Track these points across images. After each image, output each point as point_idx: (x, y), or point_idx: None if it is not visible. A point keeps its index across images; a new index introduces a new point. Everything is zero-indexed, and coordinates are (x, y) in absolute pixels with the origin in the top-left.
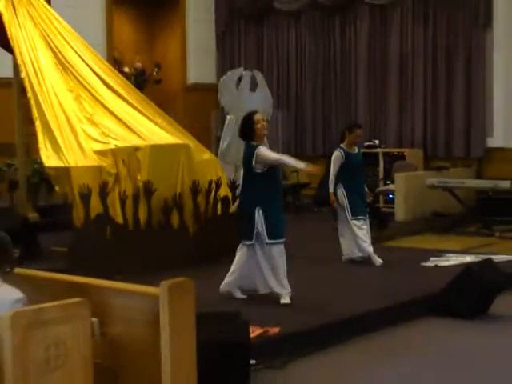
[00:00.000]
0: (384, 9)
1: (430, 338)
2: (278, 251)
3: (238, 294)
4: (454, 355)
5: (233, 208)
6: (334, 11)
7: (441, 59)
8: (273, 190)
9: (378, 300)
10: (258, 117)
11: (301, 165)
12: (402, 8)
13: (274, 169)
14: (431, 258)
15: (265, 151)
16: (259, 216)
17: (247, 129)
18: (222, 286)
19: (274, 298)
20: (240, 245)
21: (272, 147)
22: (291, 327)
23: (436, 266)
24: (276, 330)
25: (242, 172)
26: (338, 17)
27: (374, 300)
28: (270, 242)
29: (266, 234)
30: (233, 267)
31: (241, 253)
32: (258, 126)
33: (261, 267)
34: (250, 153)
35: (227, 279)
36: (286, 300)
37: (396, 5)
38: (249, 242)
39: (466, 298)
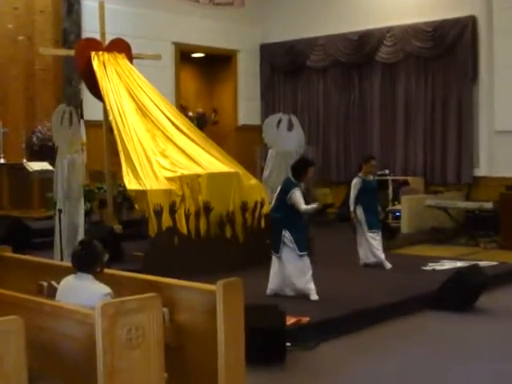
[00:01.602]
0: (393, 66)
1: (429, 326)
2: (306, 260)
3: (289, 292)
4: (448, 340)
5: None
6: (353, 68)
7: (438, 106)
8: (298, 216)
9: (388, 296)
10: (311, 171)
11: (314, 206)
12: (407, 65)
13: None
14: (429, 263)
15: (297, 198)
16: (287, 235)
17: (300, 173)
18: (268, 291)
19: (304, 296)
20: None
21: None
22: (318, 317)
23: (433, 269)
24: (306, 319)
25: (276, 194)
26: (356, 72)
27: (385, 296)
28: (301, 253)
29: (296, 248)
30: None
31: (272, 262)
32: (308, 175)
33: (289, 274)
34: (288, 188)
35: (269, 286)
36: (314, 297)
37: (402, 63)
38: (276, 255)
39: (458, 294)
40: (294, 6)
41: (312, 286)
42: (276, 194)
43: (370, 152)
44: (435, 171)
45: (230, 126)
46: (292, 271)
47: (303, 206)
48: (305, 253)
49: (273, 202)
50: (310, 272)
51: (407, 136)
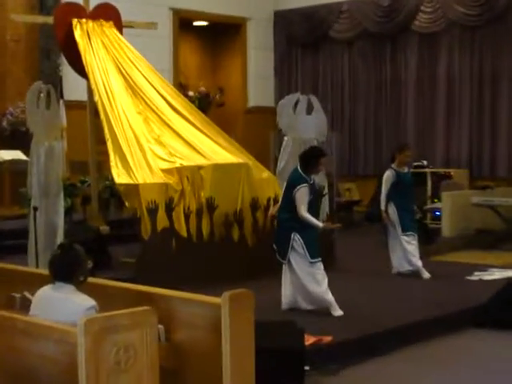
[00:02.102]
0: (433, 37)
1: (476, 348)
2: (319, 268)
3: (304, 305)
4: (499, 366)
5: (272, 211)
6: (385, 39)
7: (486, 84)
8: (311, 215)
9: (425, 311)
10: (323, 161)
11: (320, 225)
12: (449, 36)
13: (313, 198)
14: (475, 272)
15: (299, 197)
16: (297, 238)
17: (309, 164)
18: (283, 305)
19: (324, 310)
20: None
21: (327, 167)
22: (343, 336)
23: (480, 279)
24: (329, 338)
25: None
26: (388, 45)
27: (421, 311)
28: (313, 261)
29: (308, 254)
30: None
31: (283, 270)
32: (319, 168)
33: (302, 283)
34: (295, 182)
35: (283, 299)
36: (338, 312)
37: (444, 33)
38: (283, 262)
39: (509, 309)
40: None
41: (331, 297)
42: (283, 189)
43: (405, 139)
44: (483, 163)
45: (239, 108)
46: (305, 280)
47: (304, 212)
48: (317, 259)
49: (280, 199)
50: (326, 281)
51: (449, 120)
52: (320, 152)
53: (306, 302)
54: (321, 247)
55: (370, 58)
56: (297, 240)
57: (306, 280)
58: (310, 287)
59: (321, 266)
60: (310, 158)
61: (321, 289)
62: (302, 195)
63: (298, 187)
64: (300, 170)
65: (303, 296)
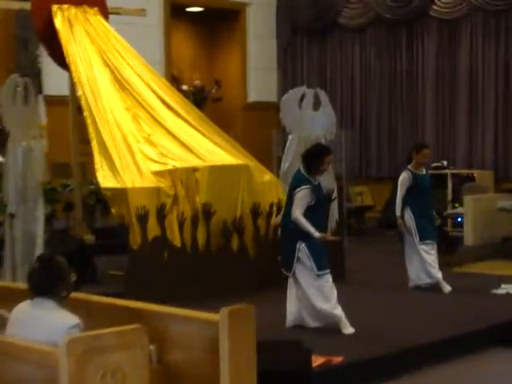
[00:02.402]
0: (453, 23)
1: (502, 370)
2: (327, 281)
3: (311, 322)
4: None
5: (275, 220)
6: (401, 26)
7: None
8: (318, 221)
9: (446, 329)
10: (328, 159)
11: (315, 234)
12: (472, 22)
13: (319, 202)
14: (502, 285)
15: (298, 199)
16: (302, 248)
17: (313, 163)
18: (288, 322)
19: (333, 328)
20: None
21: (335, 169)
22: (355, 356)
23: (508, 293)
24: (339, 359)
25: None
26: (404, 32)
27: (442, 329)
28: (320, 273)
29: (314, 266)
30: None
31: (288, 284)
32: (324, 167)
33: (309, 298)
34: (297, 184)
35: (288, 316)
36: (349, 330)
37: (466, 19)
38: (288, 274)
39: None
40: None
41: (340, 313)
42: (287, 193)
43: (423, 138)
44: (509, 163)
45: (238, 103)
46: (311, 294)
47: (298, 215)
48: (325, 271)
49: (283, 205)
50: (335, 295)
51: (472, 116)
52: (324, 150)
53: (313, 319)
54: (329, 257)
55: (384, 47)
56: (302, 250)
57: (313, 294)
58: (317, 302)
59: (329, 278)
60: (313, 157)
61: (329, 304)
62: (301, 197)
63: (299, 189)
64: (303, 171)
65: (309, 312)
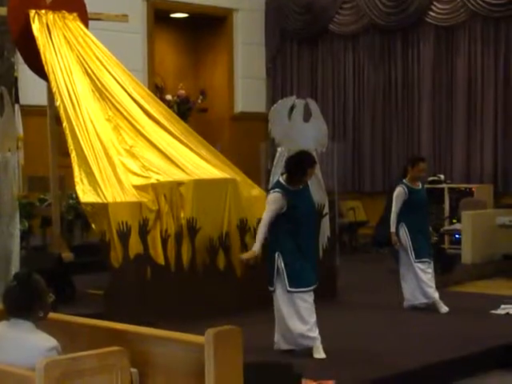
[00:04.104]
0: (451, 30)
1: None
2: (301, 299)
3: (282, 344)
4: None
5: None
6: (395, 33)
7: None
8: (293, 233)
9: (443, 352)
10: (311, 171)
11: (256, 246)
12: (470, 29)
13: (294, 208)
14: (502, 306)
15: (269, 204)
16: (279, 261)
17: (296, 175)
18: (276, 345)
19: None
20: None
21: (327, 182)
22: (346, 381)
23: (508, 314)
24: (330, 383)
25: None
26: (399, 39)
27: (438, 351)
28: (291, 290)
29: (286, 281)
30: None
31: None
32: (307, 178)
33: (282, 316)
34: (270, 189)
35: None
36: (319, 354)
37: (464, 26)
38: (271, 289)
39: None
40: None
41: (315, 334)
42: None
43: (419, 151)
44: (510, 177)
45: (224, 114)
46: (285, 313)
47: (263, 218)
48: (299, 289)
49: None
50: (314, 318)
51: (470, 128)
52: (308, 158)
53: (284, 341)
54: (319, 275)
55: (378, 55)
56: (280, 263)
57: (287, 313)
58: (290, 322)
59: (307, 297)
60: (295, 165)
61: (304, 326)
62: (269, 201)
63: (270, 192)
64: (281, 179)
65: (282, 332)
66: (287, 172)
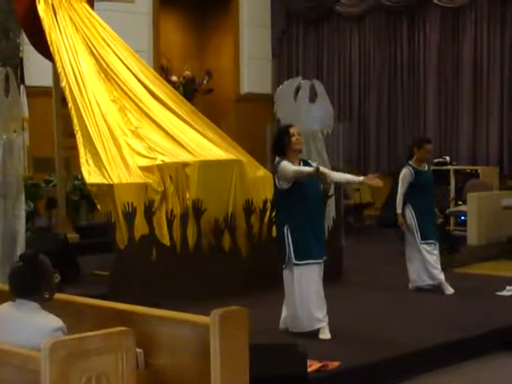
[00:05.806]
0: (456, 11)
1: (506, 375)
2: (307, 274)
3: (282, 325)
4: None
5: None
6: (402, 14)
7: None
8: (302, 207)
9: (448, 333)
10: (293, 130)
11: (310, 170)
12: (476, 10)
13: (300, 184)
14: (507, 287)
15: (285, 165)
16: (287, 236)
17: (281, 143)
18: (281, 325)
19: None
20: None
21: (333, 163)
22: (351, 361)
23: None
24: (336, 364)
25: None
26: (405, 20)
27: (443, 333)
28: (297, 262)
29: (292, 253)
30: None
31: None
32: (293, 139)
33: (292, 294)
34: (275, 169)
35: (282, 316)
36: (324, 334)
37: (470, 6)
38: (283, 266)
39: None
40: None
41: (321, 315)
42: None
43: (425, 132)
44: None
45: (230, 95)
46: (295, 290)
47: (292, 168)
48: (307, 261)
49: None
50: (321, 297)
51: (476, 109)
52: (289, 127)
53: (291, 321)
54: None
55: (384, 36)
56: (288, 234)
57: (297, 291)
58: (297, 302)
59: (314, 270)
60: (281, 139)
61: (309, 304)
62: (285, 164)
63: (278, 164)
64: (279, 159)
65: (290, 312)
66: (276, 148)
